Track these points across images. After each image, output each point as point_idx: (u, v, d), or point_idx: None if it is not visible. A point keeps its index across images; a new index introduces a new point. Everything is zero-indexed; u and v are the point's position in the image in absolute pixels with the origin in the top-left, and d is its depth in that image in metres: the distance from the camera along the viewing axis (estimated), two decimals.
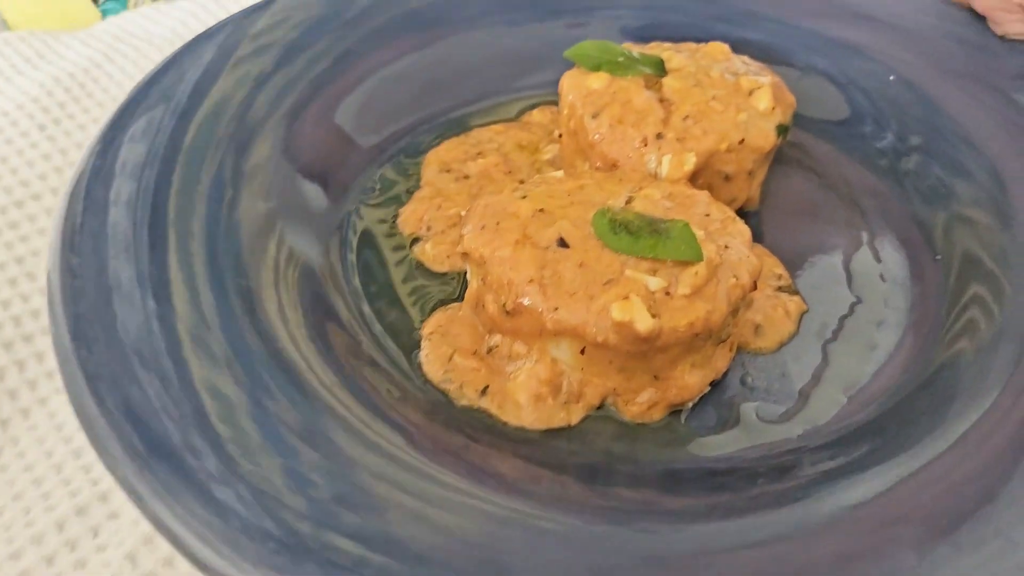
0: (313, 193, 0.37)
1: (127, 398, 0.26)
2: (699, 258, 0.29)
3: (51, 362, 0.39)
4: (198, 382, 0.27)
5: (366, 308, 0.34)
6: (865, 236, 0.38)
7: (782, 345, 0.33)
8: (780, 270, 0.36)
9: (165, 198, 0.33)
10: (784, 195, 0.40)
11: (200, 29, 0.58)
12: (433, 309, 0.34)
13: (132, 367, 0.27)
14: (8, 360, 0.38)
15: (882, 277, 0.36)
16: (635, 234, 0.30)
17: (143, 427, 0.25)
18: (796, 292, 0.35)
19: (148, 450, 0.25)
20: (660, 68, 0.38)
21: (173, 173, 0.34)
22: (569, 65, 0.39)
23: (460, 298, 0.34)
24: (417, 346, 0.33)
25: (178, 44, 0.57)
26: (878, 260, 0.37)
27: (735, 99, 0.36)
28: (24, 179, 0.46)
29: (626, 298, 0.28)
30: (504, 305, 0.30)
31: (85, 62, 0.55)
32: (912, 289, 0.36)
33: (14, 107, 0.50)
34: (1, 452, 0.36)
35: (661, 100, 0.36)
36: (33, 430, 0.36)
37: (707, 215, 0.32)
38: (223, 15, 0.59)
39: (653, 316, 0.28)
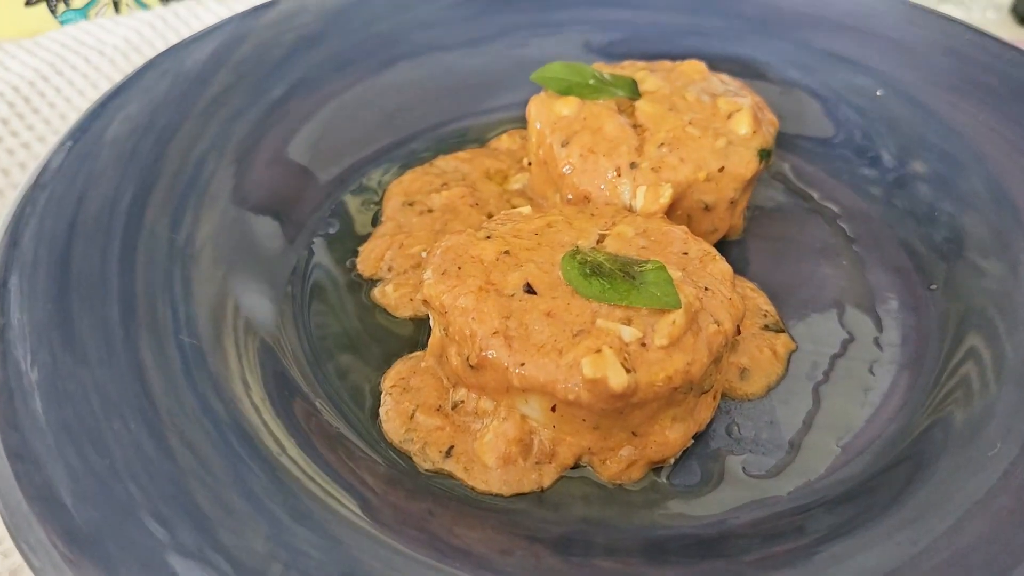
0: (268, 232, 0.35)
1: (51, 479, 0.24)
2: (676, 305, 0.27)
3: None
4: (145, 447, 0.25)
5: (324, 364, 0.31)
6: (855, 264, 0.36)
7: (770, 389, 0.31)
8: (766, 306, 0.33)
9: (105, 249, 0.30)
10: (768, 221, 0.37)
11: (154, 39, 0.55)
12: (394, 359, 0.31)
13: (62, 439, 0.25)
14: None
15: (874, 309, 0.34)
16: (607, 279, 0.28)
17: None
18: (783, 330, 0.33)
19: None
20: (633, 90, 0.35)
21: (110, 217, 0.32)
22: (537, 87, 0.37)
23: (423, 346, 0.32)
24: (377, 401, 0.30)
25: (131, 55, 0.54)
26: (869, 290, 0.35)
27: (713, 123, 0.34)
28: None
29: (598, 351, 0.26)
30: (468, 359, 0.28)
31: (31, 74, 0.52)
32: (905, 321, 0.33)
33: None
34: None
35: (635, 126, 0.34)
36: None
37: (685, 253, 0.30)
38: (179, 27, 0.56)
39: (628, 371, 0.26)
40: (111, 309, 0.29)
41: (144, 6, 0.67)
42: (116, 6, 0.68)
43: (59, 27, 0.67)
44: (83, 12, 0.69)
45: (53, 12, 0.67)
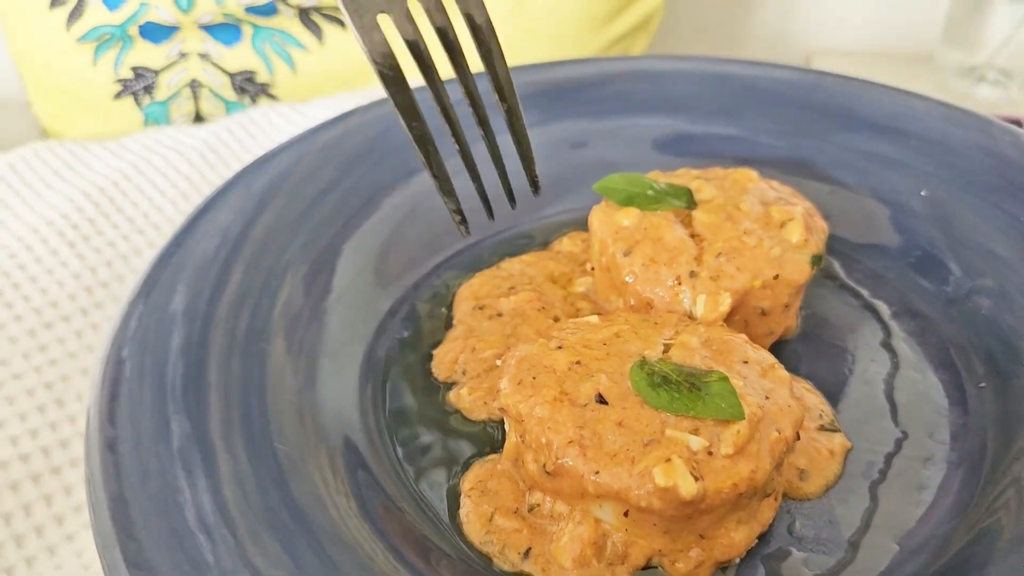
0: (346, 339, 0.37)
1: None
2: (740, 417, 0.29)
3: (79, 495, 0.39)
4: (242, 558, 0.27)
5: (404, 465, 0.33)
6: (906, 362, 0.37)
7: (828, 488, 0.33)
8: (822, 406, 0.35)
9: (201, 362, 0.33)
10: (822, 320, 0.39)
11: (230, 142, 0.59)
12: (471, 461, 0.33)
13: (175, 547, 0.27)
14: (36, 494, 0.39)
15: (925, 407, 0.35)
16: (674, 390, 0.29)
17: None
18: (838, 429, 0.34)
19: None
20: (690, 200, 0.38)
21: (203, 334, 0.34)
22: (597, 195, 0.40)
23: (499, 448, 0.34)
24: (455, 502, 0.32)
25: (208, 155, 0.58)
26: (920, 388, 0.36)
27: (767, 232, 0.36)
28: (54, 300, 0.47)
29: (668, 460, 0.28)
30: (544, 465, 0.29)
31: (115, 174, 0.55)
32: (955, 420, 0.35)
33: (44, 223, 0.51)
34: None
35: (693, 235, 0.36)
36: (59, 569, 0.36)
37: (745, 362, 0.31)
38: (255, 132, 0.60)
39: (696, 478, 0.28)
40: (210, 419, 0.31)
41: (225, 100, 0.73)
42: (196, 100, 0.73)
43: (143, 120, 0.74)
44: (165, 104, 0.74)
45: (139, 104, 0.73)
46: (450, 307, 0.40)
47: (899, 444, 0.34)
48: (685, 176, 0.40)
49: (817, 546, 0.31)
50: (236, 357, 0.34)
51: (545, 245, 0.43)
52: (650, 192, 0.38)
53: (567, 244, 0.43)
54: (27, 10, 0.72)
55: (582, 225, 0.43)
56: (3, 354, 0.43)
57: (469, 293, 0.40)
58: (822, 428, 0.34)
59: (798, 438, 0.30)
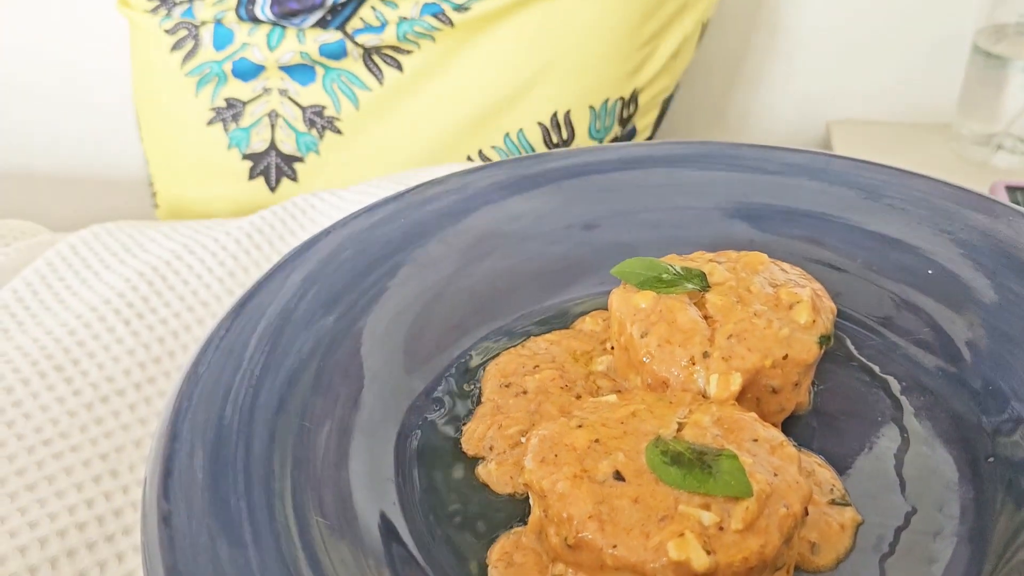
0: (382, 418, 0.40)
1: None
2: (748, 494, 0.30)
3: (131, 562, 0.42)
4: None
5: (436, 538, 0.35)
6: (916, 436, 0.39)
7: (839, 562, 0.34)
8: (833, 480, 0.37)
9: (248, 439, 0.36)
10: (832, 395, 0.41)
11: (276, 224, 0.62)
12: (498, 534, 0.35)
13: None
14: (91, 561, 0.41)
15: (935, 481, 0.37)
16: (686, 468, 0.31)
17: None
18: (849, 504, 0.36)
19: None
20: (703, 282, 0.40)
21: (252, 409, 0.37)
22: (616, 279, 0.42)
23: (524, 520, 0.36)
24: (483, 573, 0.34)
25: (254, 236, 0.61)
26: (930, 463, 0.37)
27: (776, 314, 0.38)
28: (109, 374, 0.50)
29: (681, 535, 0.30)
30: (566, 539, 0.31)
31: (167, 254, 0.59)
32: (964, 494, 0.36)
33: (101, 302, 0.54)
34: None
35: (706, 317, 0.38)
36: None
37: (755, 440, 0.33)
38: (298, 214, 0.63)
39: (708, 552, 0.29)
40: (258, 495, 0.34)
41: (296, 131, 0.90)
42: (272, 128, 0.90)
43: (227, 143, 0.91)
44: (247, 131, 0.91)
45: (226, 130, 0.89)
46: (479, 384, 0.42)
47: (908, 518, 0.35)
48: (699, 259, 0.42)
49: None
50: (282, 435, 0.36)
51: (567, 324, 0.45)
52: (665, 276, 0.40)
53: (589, 323, 0.45)
54: (152, 55, 0.93)
55: (602, 304, 0.46)
56: (63, 427, 0.46)
57: (496, 371, 0.42)
58: (833, 502, 0.36)
59: (807, 513, 0.32)
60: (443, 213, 0.49)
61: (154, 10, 0.91)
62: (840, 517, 0.35)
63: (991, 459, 0.37)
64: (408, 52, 0.86)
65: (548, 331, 0.45)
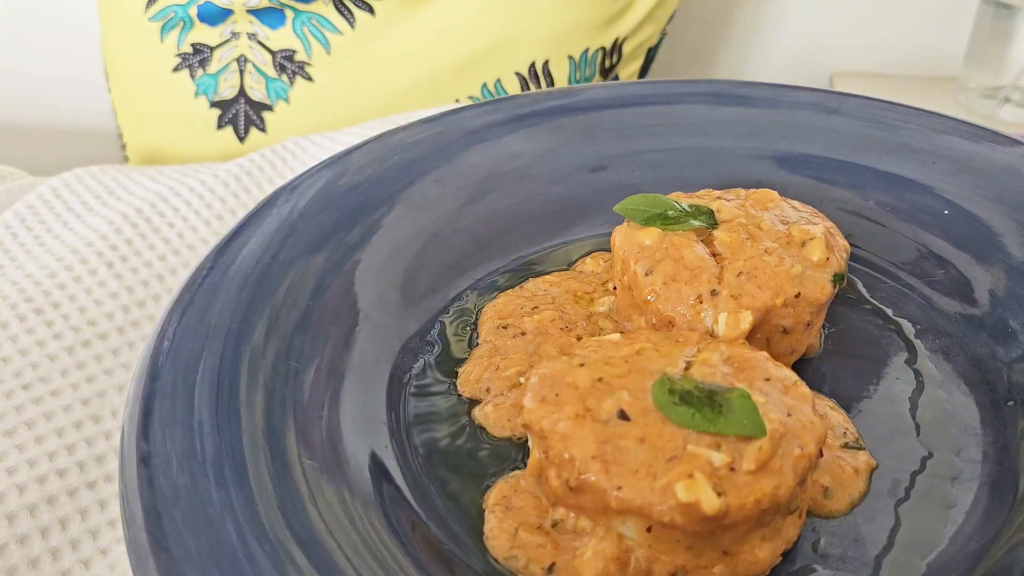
0: (373, 357, 0.38)
1: None
2: (762, 433, 0.29)
3: (114, 510, 0.40)
4: (274, 571, 0.28)
5: (430, 481, 0.34)
6: (931, 380, 0.37)
7: (853, 506, 0.33)
8: (846, 424, 0.35)
9: (233, 379, 0.34)
10: (844, 338, 0.39)
11: (265, 167, 0.60)
12: (495, 477, 0.34)
13: (206, 561, 0.27)
14: (72, 508, 0.39)
15: (952, 425, 0.35)
16: (695, 406, 0.30)
17: None
18: (863, 447, 0.34)
19: None
20: (711, 219, 0.38)
21: (238, 354, 0.35)
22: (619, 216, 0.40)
23: (523, 464, 0.34)
24: (480, 518, 0.33)
25: (243, 178, 0.59)
26: (947, 406, 0.36)
27: (788, 251, 0.36)
28: (92, 318, 0.48)
29: (690, 476, 0.28)
30: (567, 481, 0.30)
31: (152, 197, 0.57)
32: (984, 437, 0.35)
33: (83, 244, 0.52)
34: None
35: (714, 254, 0.37)
36: None
37: (767, 379, 0.32)
38: (288, 157, 0.61)
39: (719, 494, 0.28)
40: (240, 435, 0.32)
41: (266, 76, 0.85)
42: (241, 74, 0.86)
43: (194, 91, 0.87)
44: (215, 77, 0.90)
45: (192, 77, 0.86)
46: (475, 326, 0.40)
47: (925, 463, 0.34)
48: (706, 197, 0.40)
49: (842, 564, 0.31)
50: (267, 374, 0.35)
51: (568, 265, 0.44)
52: (671, 212, 0.38)
53: (590, 264, 0.43)
54: (117, 2, 0.89)
55: (605, 246, 0.44)
56: (43, 372, 0.44)
57: (493, 312, 0.40)
58: (846, 446, 0.34)
59: (821, 455, 0.30)
60: (437, 151, 0.46)
61: None
62: (854, 461, 0.34)
63: (1011, 402, 0.35)
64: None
65: (548, 272, 0.43)
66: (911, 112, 0.47)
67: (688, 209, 0.38)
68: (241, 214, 0.56)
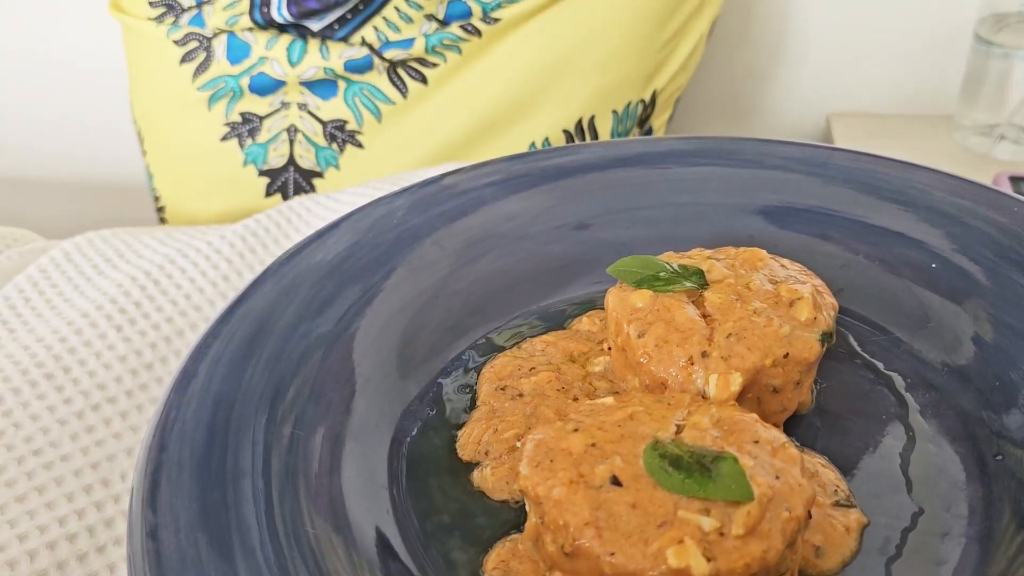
0: (373, 423, 0.39)
1: None
2: (749, 498, 0.30)
3: (123, 573, 0.41)
4: None
5: (431, 547, 0.35)
6: (922, 434, 0.38)
7: (845, 565, 0.33)
8: (837, 481, 0.36)
9: (237, 449, 0.35)
10: (835, 394, 0.40)
11: (271, 227, 0.62)
12: (494, 541, 0.35)
13: None
14: (82, 573, 0.40)
15: (942, 480, 0.36)
16: (685, 472, 0.31)
17: None
18: (854, 505, 0.35)
19: None
20: (701, 280, 0.39)
21: (242, 418, 0.36)
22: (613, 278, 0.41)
23: (521, 527, 0.35)
24: None
25: (249, 240, 0.61)
26: (937, 461, 0.37)
27: (776, 311, 0.37)
28: (101, 382, 0.49)
29: (681, 542, 0.29)
30: (562, 547, 0.31)
31: (160, 259, 0.58)
32: (972, 493, 0.35)
33: (93, 308, 0.54)
34: None
35: (704, 315, 0.38)
36: None
37: (756, 442, 0.32)
38: (293, 218, 0.63)
39: (708, 559, 0.29)
40: (248, 507, 0.33)
41: (316, 146, 0.87)
42: (291, 144, 0.88)
43: (243, 160, 0.89)
44: (264, 146, 0.88)
45: (241, 146, 0.88)
46: (474, 388, 0.41)
47: (915, 519, 0.35)
48: (697, 256, 0.41)
49: None
50: (274, 445, 0.36)
51: (564, 325, 0.45)
52: (663, 274, 0.39)
53: (586, 323, 0.44)
54: (157, 67, 0.88)
55: (600, 304, 0.45)
56: (53, 437, 0.45)
57: (492, 374, 0.41)
58: (837, 504, 0.35)
59: (810, 517, 0.31)
60: (436, 214, 0.48)
61: (159, 18, 0.86)
62: (845, 519, 0.34)
63: (999, 456, 0.36)
64: (434, 65, 0.84)
65: (544, 332, 0.44)
66: (900, 166, 0.48)
67: (679, 270, 0.39)
68: (247, 275, 0.57)
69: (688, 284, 0.39)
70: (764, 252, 0.41)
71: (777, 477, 0.31)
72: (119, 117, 1.05)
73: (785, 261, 0.41)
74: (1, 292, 0.56)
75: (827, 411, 0.39)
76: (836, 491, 0.35)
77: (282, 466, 0.35)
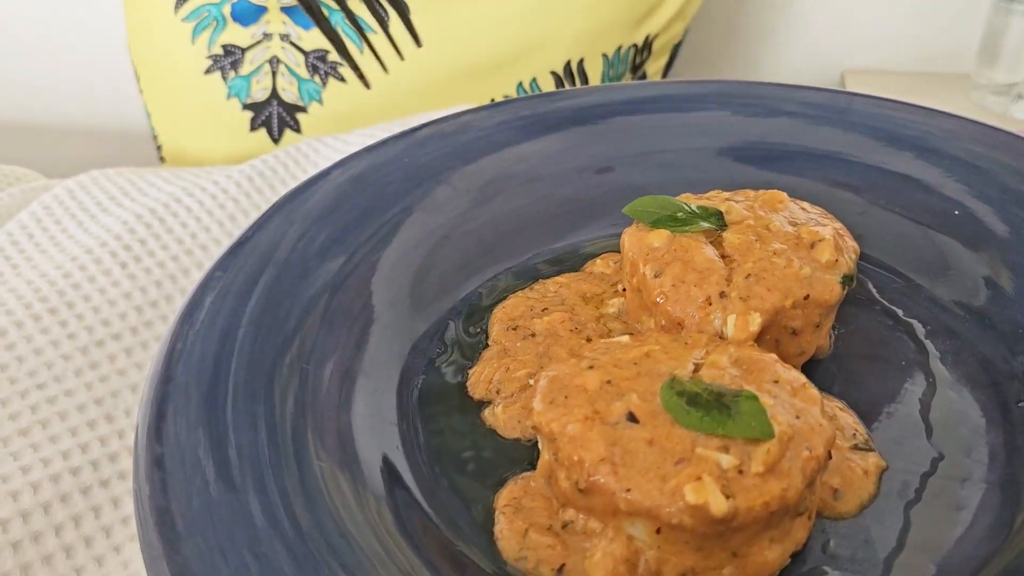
0: (384, 359, 0.38)
1: None
2: (770, 436, 0.29)
3: (127, 508, 0.41)
4: (287, 571, 0.28)
5: (440, 482, 0.34)
6: (942, 381, 0.37)
7: (863, 508, 0.33)
8: (856, 425, 0.35)
9: (247, 382, 0.34)
10: (854, 339, 0.39)
11: (277, 168, 0.61)
12: (505, 479, 0.34)
13: (219, 563, 0.28)
14: (85, 506, 0.40)
15: (963, 426, 0.35)
16: (703, 409, 0.30)
17: None
18: (873, 449, 0.34)
19: None
20: (720, 221, 0.38)
21: (251, 350, 0.35)
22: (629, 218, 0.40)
23: (533, 466, 0.34)
24: (490, 519, 0.33)
25: (256, 180, 0.60)
26: (957, 407, 0.36)
27: (797, 253, 0.36)
28: (105, 318, 0.48)
29: (699, 479, 0.28)
30: (576, 483, 0.30)
31: (166, 198, 0.57)
32: (993, 439, 0.34)
33: (97, 244, 0.53)
34: None
35: (723, 256, 0.37)
36: None
37: (775, 381, 0.32)
38: (301, 159, 0.62)
39: (727, 496, 0.28)
40: (254, 437, 0.32)
41: (298, 77, 0.85)
42: (273, 76, 0.86)
43: (226, 93, 0.88)
44: (247, 79, 0.90)
45: (224, 79, 0.86)
46: (485, 327, 0.41)
47: (935, 464, 0.34)
48: (715, 198, 0.40)
49: (852, 566, 0.31)
50: (280, 376, 0.35)
51: (578, 267, 0.44)
52: (680, 214, 0.38)
53: (600, 265, 0.43)
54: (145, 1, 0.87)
55: (614, 247, 0.44)
56: (57, 371, 0.44)
57: (503, 314, 0.41)
58: (856, 448, 0.34)
59: (830, 457, 0.30)
60: (448, 153, 0.47)
61: None
62: (864, 462, 0.34)
63: (1022, 403, 0.35)
64: None
65: (558, 273, 0.43)
66: (922, 112, 0.47)
67: (697, 211, 0.38)
68: (254, 215, 0.56)
69: (706, 224, 0.38)
70: (784, 194, 0.40)
71: (797, 416, 0.30)
72: (123, 56, 1.03)
73: (805, 204, 0.40)
74: (3, 228, 0.55)
75: (845, 357, 0.38)
76: (855, 435, 0.35)
77: (290, 399, 0.34)
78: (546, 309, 0.40)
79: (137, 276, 0.51)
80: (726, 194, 0.40)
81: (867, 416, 0.36)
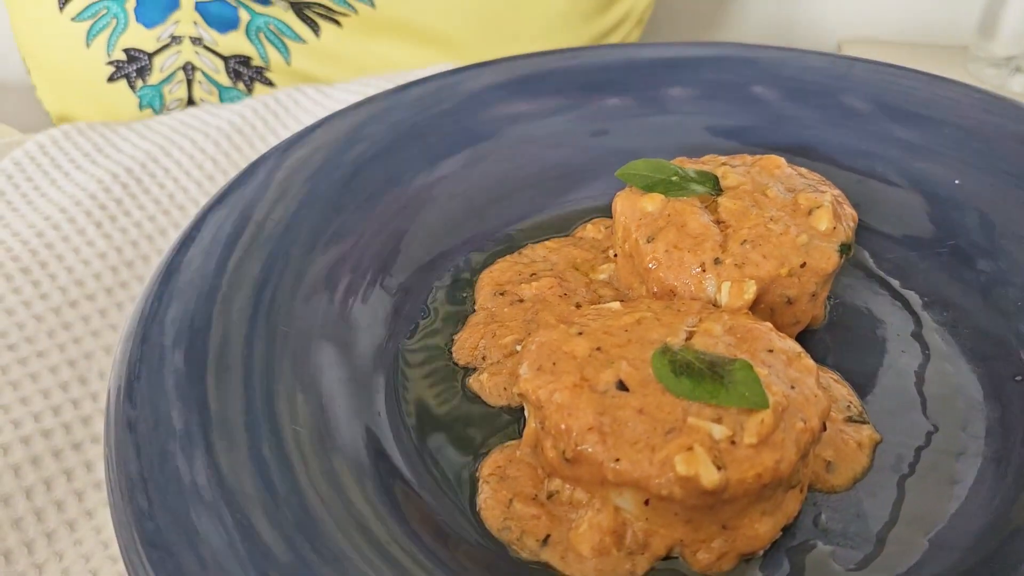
0: (367, 322, 0.37)
1: (183, 566, 0.26)
2: (764, 405, 0.28)
3: (100, 472, 0.40)
4: (263, 537, 0.27)
5: (422, 450, 0.33)
6: (938, 353, 0.36)
7: (856, 481, 0.32)
8: (850, 397, 0.34)
9: (221, 345, 0.33)
10: (850, 310, 0.38)
11: (256, 123, 0.59)
12: (490, 447, 0.33)
13: (191, 529, 0.27)
14: (57, 469, 0.39)
15: (959, 399, 0.34)
16: (696, 378, 0.29)
17: None
18: (867, 421, 0.33)
19: None
20: (715, 186, 0.37)
21: (228, 312, 0.34)
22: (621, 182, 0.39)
23: (518, 434, 0.33)
24: (474, 488, 0.32)
25: (233, 136, 0.58)
26: (953, 380, 0.35)
27: (794, 220, 0.35)
28: (79, 278, 0.47)
29: (690, 449, 0.27)
30: (563, 452, 0.29)
31: (142, 155, 0.56)
32: (990, 413, 0.34)
33: (71, 203, 0.51)
34: (44, 568, 0.35)
35: (718, 222, 0.36)
36: (78, 545, 0.36)
37: (770, 351, 0.31)
38: (279, 111, 0.60)
39: (719, 468, 0.27)
40: (229, 401, 0.31)
41: (219, 85, 0.73)
42: (189, 84, 0.74)
43: (137, 103, 0.75)
44: (158, 88, 0.74)
45: (132, 88, 0.74)
46: (472, 293, 0.39)
47: (930, 437, 0.33)
48: (711, 162, 0.39)
49: (844, 540, 0.30)
50: (258, 340, 0.34)
51: (568, 232, 0.42)
52: (675, 178, 0.37)
53: (590, 230, 0.42)
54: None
55: (605, 212, 0.43)
56: (29, 332, 0.43)
57: (490, 279, 0.39)
58: (850, 420, 0.33)
59: (824, 429, 0.30)
60: (433, 113, 0.45)
61: None
62: (857, 435, 0.33)
63: (1019, 377, 0.35)
64: (344, 15, 0.73)
65: (546, 239, 0.42)
66: (923, 78, 0.46)
67: (692, 175, 0.37)
68: (232, 174, 0.55)
69: (701, 189, 0.37)
70: (782, 160, 0.38)
71: (792, 387, 0.29)
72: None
73: (803, 170, 0.39)
74: None
75: (841, 327, 0.38)
76: (849, 407, 0.34)
77: (267, 362, 0.33)
78: (535, 275, 0.39)
79: (112, 235, 0.49)
80: (722, 158, 0.39)
81: (861, 388, 0.35)
